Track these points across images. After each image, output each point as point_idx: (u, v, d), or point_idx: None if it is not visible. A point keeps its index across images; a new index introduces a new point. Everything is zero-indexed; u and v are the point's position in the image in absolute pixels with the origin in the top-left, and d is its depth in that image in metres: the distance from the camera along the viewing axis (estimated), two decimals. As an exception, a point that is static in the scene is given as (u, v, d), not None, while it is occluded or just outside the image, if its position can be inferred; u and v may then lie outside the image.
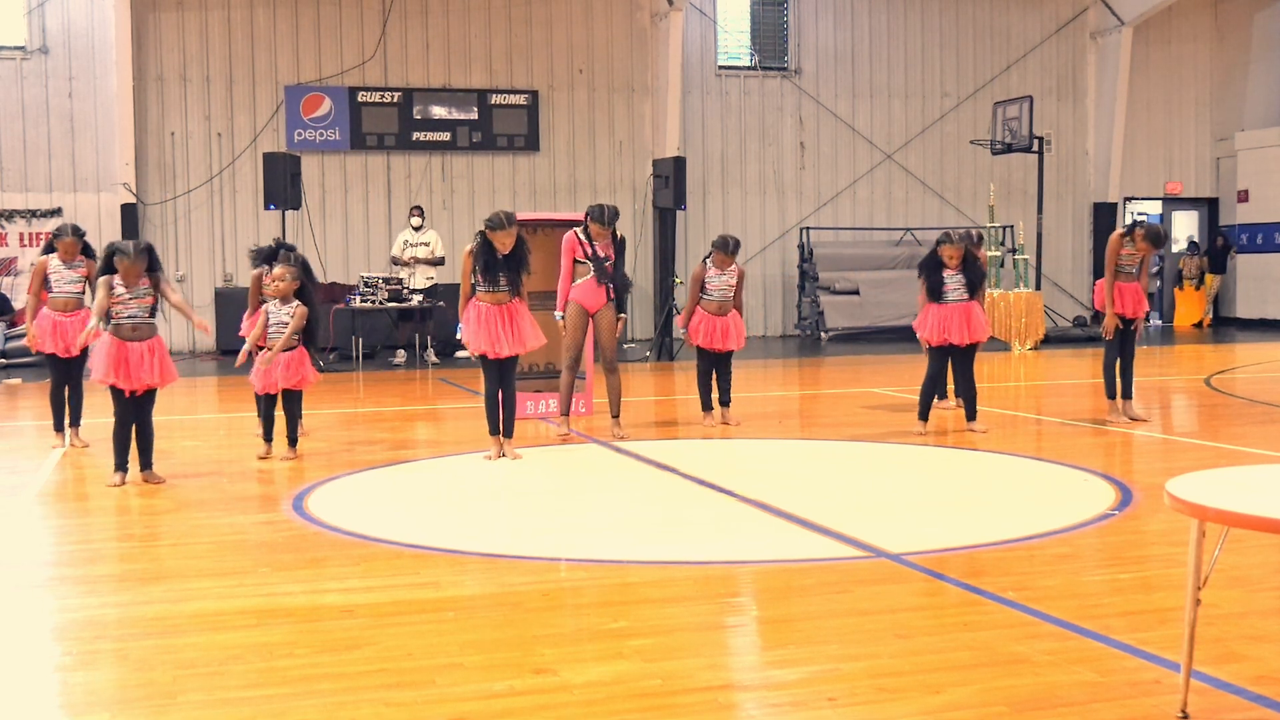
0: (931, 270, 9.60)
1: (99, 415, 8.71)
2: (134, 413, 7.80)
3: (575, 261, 9.52)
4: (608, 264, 9.50)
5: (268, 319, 8.69)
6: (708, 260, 10.35)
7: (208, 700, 3.95)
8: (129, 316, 7.69)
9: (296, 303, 8.69)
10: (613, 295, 9.59)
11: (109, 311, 7.67)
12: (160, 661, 4.34)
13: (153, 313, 7.80)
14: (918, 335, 9.74)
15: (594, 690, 3.98)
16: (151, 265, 7.78)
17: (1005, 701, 3.81)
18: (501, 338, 8.45)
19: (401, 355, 17.02)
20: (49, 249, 9.51)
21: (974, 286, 9.59)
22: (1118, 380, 9.94)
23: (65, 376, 9.35)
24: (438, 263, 17.00)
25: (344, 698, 3.93)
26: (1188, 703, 3.67)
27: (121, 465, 7.79)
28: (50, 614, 5.11)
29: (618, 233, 9.63)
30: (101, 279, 7.70)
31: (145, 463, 7.87)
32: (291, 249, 9.38)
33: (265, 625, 4.77)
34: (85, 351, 9.33)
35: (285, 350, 8.67)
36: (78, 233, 9.39)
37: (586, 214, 9.57)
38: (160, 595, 5.25)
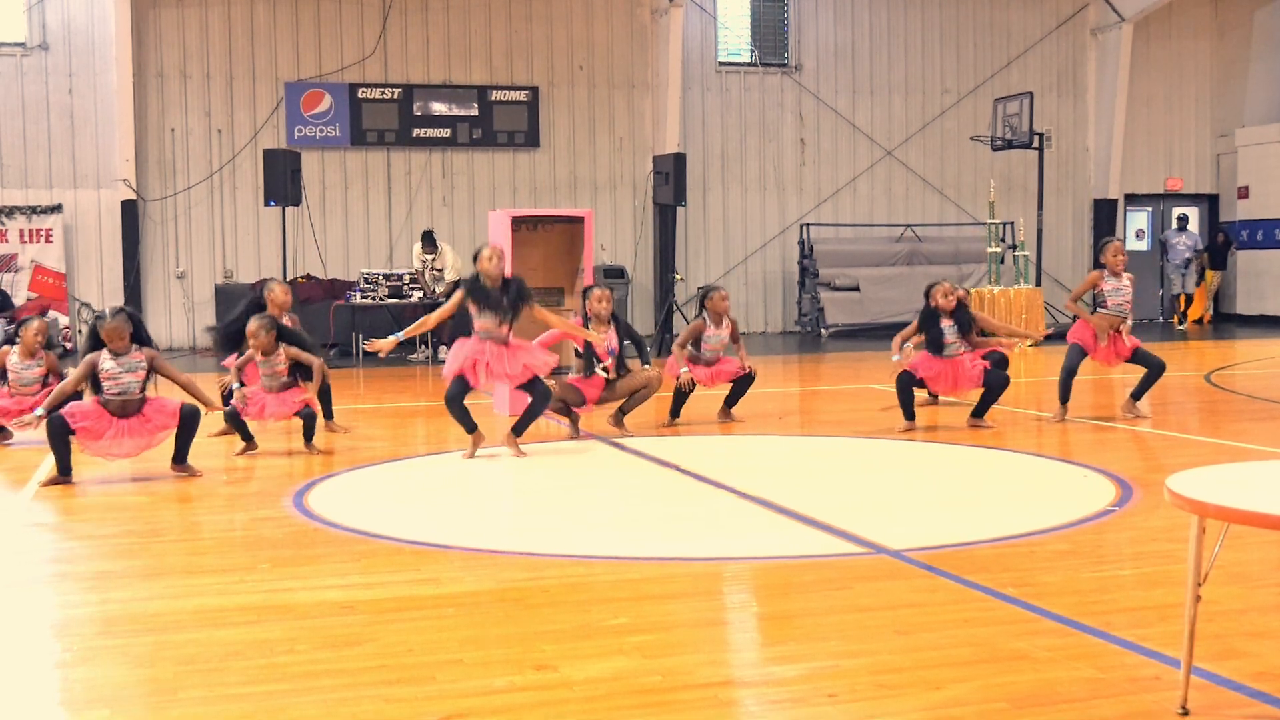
0: (929, 322, 9.60)
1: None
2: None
3: (575, 353, 9.32)
4: (610, 361, 9.23)
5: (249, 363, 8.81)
6: (704, 315, 10.09)
7: (208, 696, 3.95)
8: (119, 392, 7.63)
9: (280, 350, 8.70)
10: (612, 375, 9.34)
11: (99, 385, 7.58)
12: (161, 657, 4.34)
13: (144, 387, 7.74)
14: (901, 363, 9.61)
15: (594, 686, 3.98)
16: (140, 338, 7.75)
17: (1005, 698, 3.82)
18: (489, 369, 8.34)
19: (423, 351, 16.94)
20: (10, 340, 9.43)
21: (965, 329, 9.60)
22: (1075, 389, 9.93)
23: None
24: (454, 286, 16.80)
25: (344, 694, 3.94)
26: (1188, 699, 3.67)
27: (64, 469, 7.71)
28: (52, 610, 5.12)
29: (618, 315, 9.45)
30: (86, 358, 7.64)
31: (180, 456, 7.92)
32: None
33: (266, 621, 4.77)
34: None
35: (276, 390, 8.71)
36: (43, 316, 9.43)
37: (585, 291, 9.35)
38: (161, 591, 5.26)
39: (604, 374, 9.27)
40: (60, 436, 7.53)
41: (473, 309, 8.46)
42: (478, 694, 3.93)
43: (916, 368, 9.52)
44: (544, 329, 9.03)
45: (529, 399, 8.54)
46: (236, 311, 9.48)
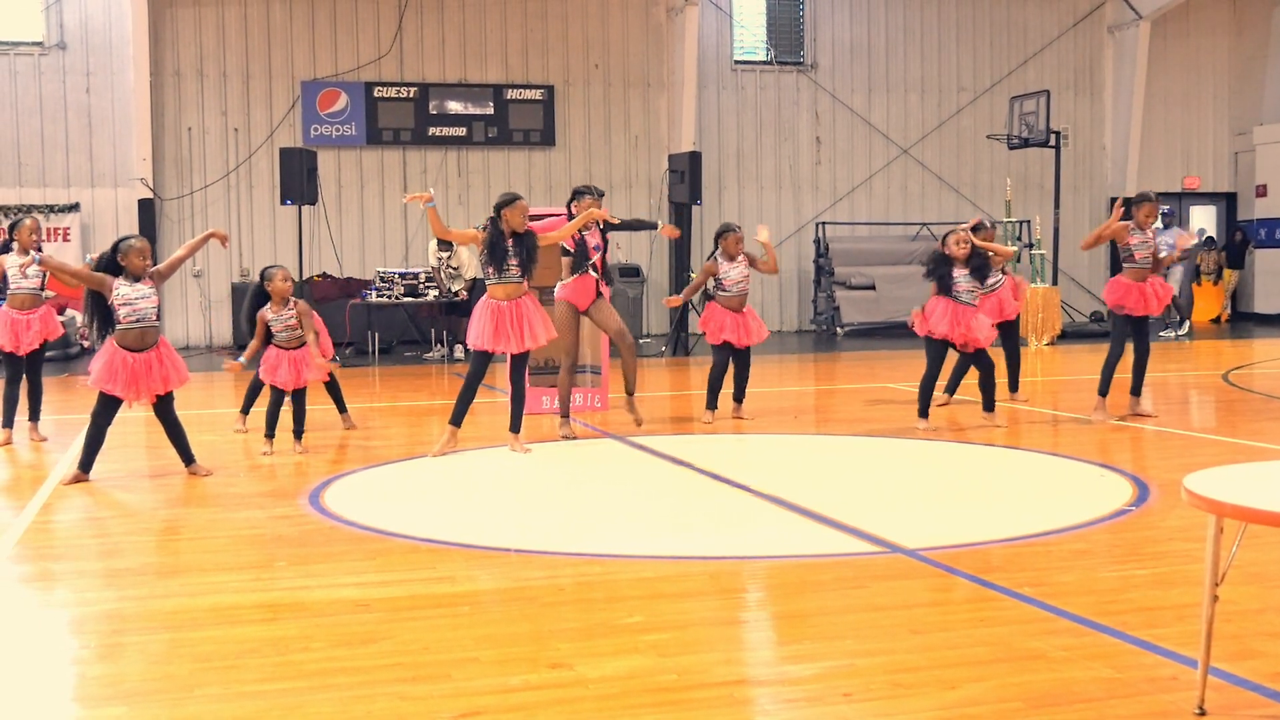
0: (939, 264, 9.50)
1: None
2: (159, 416, 7.84)
3: (564, 252, 9.37)
4: (598, 256, 9.33)
5: (268, 327, 8.78)
6: (716, 254, 10.22)
7: (224, 693, 3.96)
8: (137, 320, 7.59)
9: (293, 301, 8.77)
10: (603, 290, 9.43)
11: (115, 315, 7.56)
12: (177, 655, 4.36)
13: (159, 313, 7.77)
14: (913, 326, 9.62)
15: (609, 685, 3.98)
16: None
17: (1021, 697, 3.80)
18: (509, 335, 8.41)
19: (439, 350, 16.94)
20: (5, 248, 9.41)
21: (983, 274, 9.51)
22: (1116, 378, 9.83)
23: (19, 374, 9.43)
24: (471, 284, 16.78)
25: (359, 691, 3.94)
26: (1205, 699, 3.66)
27: (87, 466, 7.74)
28: (69, 607, 5.14)
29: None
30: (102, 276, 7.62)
31: (187, 458, 7.92)
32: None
33: (281, 619, 4.78)
34: (43, 346, 9.35)
35: (293, 348, 8.72)
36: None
37: (573, 195, 9.43)
38: (178, 589, 5.28)
39: (594, 272, 9.30)
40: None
41: (489, 268, 8.49)
42: (493, 692, 3.93)
43: (930, 318, 9.44)
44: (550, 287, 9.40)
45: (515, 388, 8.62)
46: (246, 304, 9.64)
